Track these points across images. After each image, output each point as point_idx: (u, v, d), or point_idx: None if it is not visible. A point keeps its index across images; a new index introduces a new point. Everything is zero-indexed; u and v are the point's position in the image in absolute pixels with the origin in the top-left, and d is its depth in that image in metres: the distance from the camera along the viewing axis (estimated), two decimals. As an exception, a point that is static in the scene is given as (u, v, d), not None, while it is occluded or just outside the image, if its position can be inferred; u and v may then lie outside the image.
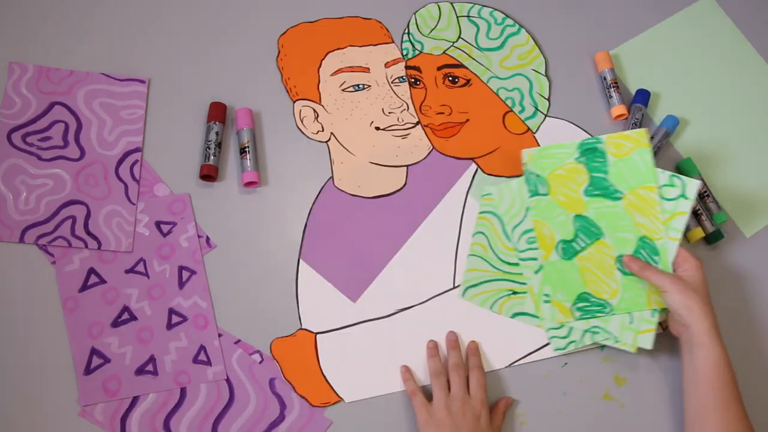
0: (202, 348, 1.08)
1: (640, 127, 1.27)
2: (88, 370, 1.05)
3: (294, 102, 1.24)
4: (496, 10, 1.35)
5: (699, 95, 1.35)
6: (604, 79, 1.31)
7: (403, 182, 1.21)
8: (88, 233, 1.10)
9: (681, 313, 1.05)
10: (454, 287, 1.16)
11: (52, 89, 1.16)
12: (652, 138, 1.28)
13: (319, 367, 1.10)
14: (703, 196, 1.24)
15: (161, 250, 1.12)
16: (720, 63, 1.37)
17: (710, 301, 1.07)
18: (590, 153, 1.18)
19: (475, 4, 1.35)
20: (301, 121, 1.23)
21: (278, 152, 1.20)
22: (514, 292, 1.15)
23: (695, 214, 1.23)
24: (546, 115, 1.30)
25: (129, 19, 1.24)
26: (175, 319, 1.09)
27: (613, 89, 1.30)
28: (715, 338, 1.04)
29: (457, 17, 1.34)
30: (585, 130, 1.29)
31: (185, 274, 1.11)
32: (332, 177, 1.20)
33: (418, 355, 1.12)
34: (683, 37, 1.39)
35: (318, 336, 1.11)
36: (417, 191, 1.21)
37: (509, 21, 1.35)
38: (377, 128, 1.24)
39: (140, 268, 1.11)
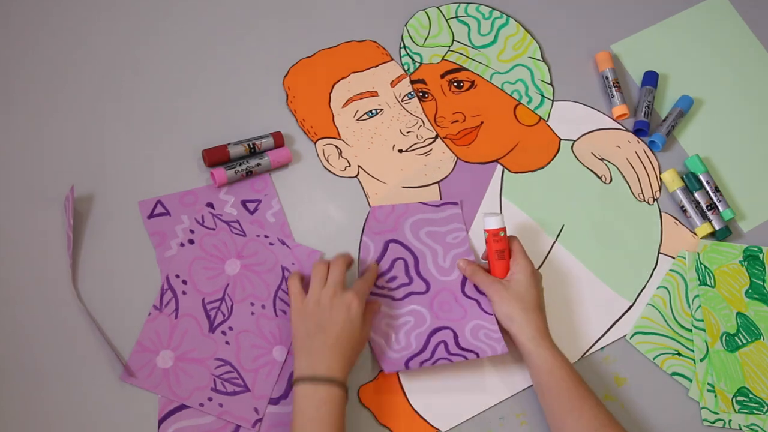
0: None
1: (652, 109, 1.30)
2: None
3: (315, 143, 1.22)
4: (481, 5, 1.35)
5: (703, 91, 1.37)
6: (606, 78, 1.33)
7: (439, 200, 1.22)
8: (463, 349, 1.10)
9: (505, 324, 1.07)
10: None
11: (381, 228, 1.17)
12: (665, 119, 1.31)
13: (409, 403, 1.11)
14: (714, 192, 1.27)
15: None
16: (728, 60, 1.39)
17: (539, 305, 1.08)
18: (752, 260, 1.24)
19: (460, 3, 1.35)
20: (327, 161, 1.22)
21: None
22: (679, 354, 1.18)
23: (705, 208, 1.26)
24: (553, 101, 1.31)
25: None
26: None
27: (614, 89, 1.32)
28: (541, 345, 1.04)
29: (447, 20, 1.33)
30: (595, 108, 1.32)
31: None
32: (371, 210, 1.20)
33: (495, 362, 1.14)
34: (692, 32, 1.41)
35: (401, 372, 1.12)
36: (454, 209, 1.22)
37: (496, 13, 1.35)
38: (400, 151, 1.24)
39: None
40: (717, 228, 1.25)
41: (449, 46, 1.31)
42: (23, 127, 1.16)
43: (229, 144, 1.16)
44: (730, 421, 1.15)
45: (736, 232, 1.27)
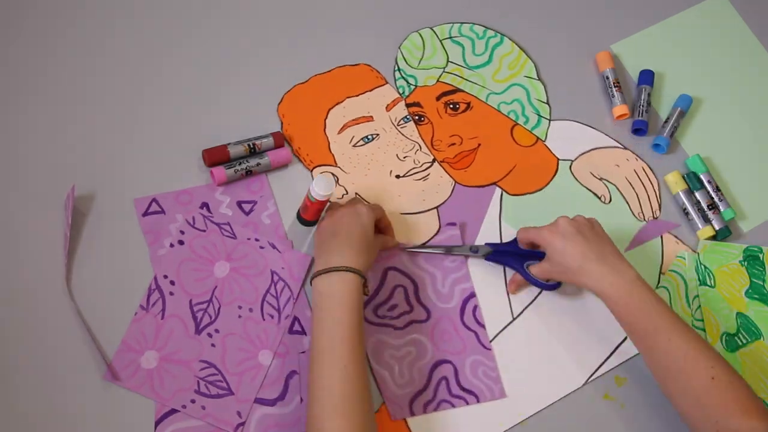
0: (296, 319, 1.11)
1: (648, 107, 1.29)
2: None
3: (311, 171, 1.21)
4: (475, 24, 1.34)
5: (703, 91, 1.37)
6: (606, 78, 1.32)
7: (438, 225, 1.21)
8: (463, 389, 1.11)
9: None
10: (513, 320, 1.17)
11: (378, 256, 1.14)
12: (667, 120, 1.30)
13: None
14: (715, 191, 1.27)
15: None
16: (728, 60, 1.39)
17: (583, 260, 1.06)
18: (752, 260, 1.22)
19: (453, 23, 1.34)
20: (324, 189, 1.20)
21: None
22: None
23: (706, 207, 1.26)
24: (550, 120, 1.30)
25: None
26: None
27: (615, 89, 1.31)
28: (604, 293, 1.05)
29: (441, 41, 1.32)
30: (593, 127, 1.31)
31: None
32: (370, 239, 1.19)
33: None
34: (692, 32, 1.40)
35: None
36: (452, 230, 1.21)
37: (490, 32, 1.34)
38: (397, 176, 1.22)
39: None
40: (717, 228, 1.24)
41: (444, 68, 1.30)
42: (24, 126, 1.15)
43: (229, 144, 1.16)
44: None
45: (736, 232, 1.27)
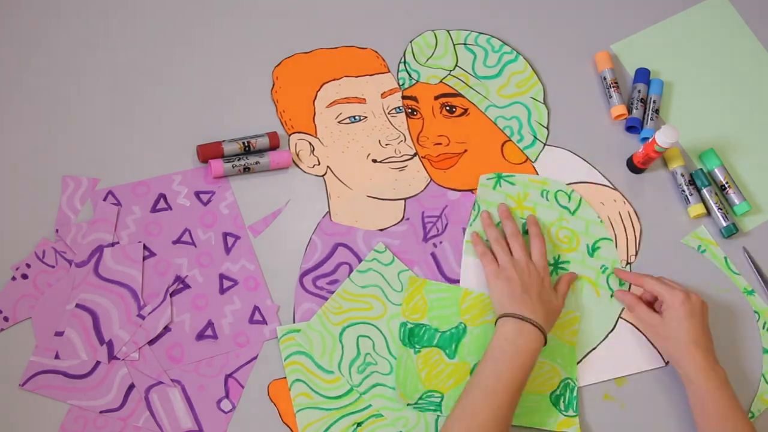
0: (256, 308, 1.11)
1: (646, 105, 1.30)
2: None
3: (289, 136, 1.22)
4: (493, 37, 1.33)
5: (703, 91, 1.36)
6: (604, 79, 1.32)
7: (402, 215, 1.20)
8: None
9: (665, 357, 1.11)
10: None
11: (334, 230, 1.16)
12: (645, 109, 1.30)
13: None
14: (724, 187, 1.26)
15: (204, 219, 1.14)
16: (728, 60, 1.39)
17: (693, 340, 1.08)
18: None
19: (471, 31, 1.34)
20: (297, 155, 1.21)
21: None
22: (358, 424, 1.07)
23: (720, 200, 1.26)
24: (545, 144, 1.28)
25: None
26: (226, 283, 1.12)
27: (613, 89, 1.30)
28: (695, 383, 1.06)
29: (454, 45, 1.32)
30: (587, 161, 1.28)
31: (230, 240, 1.14)
32: (329, 212, 1.18)
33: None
34: (692, 32, 1.40)
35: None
36: (416, 225, 1.19)
37: (506, 48, 1.33)
38: (374, 160, 1.22)
39: (186, 238, 1.13)
40: (724, 225, 1.25)
41: (450, 71, 1.30)
42: (23, 124, 1.16)
43: (223, 141, 1.16)
44: None
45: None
